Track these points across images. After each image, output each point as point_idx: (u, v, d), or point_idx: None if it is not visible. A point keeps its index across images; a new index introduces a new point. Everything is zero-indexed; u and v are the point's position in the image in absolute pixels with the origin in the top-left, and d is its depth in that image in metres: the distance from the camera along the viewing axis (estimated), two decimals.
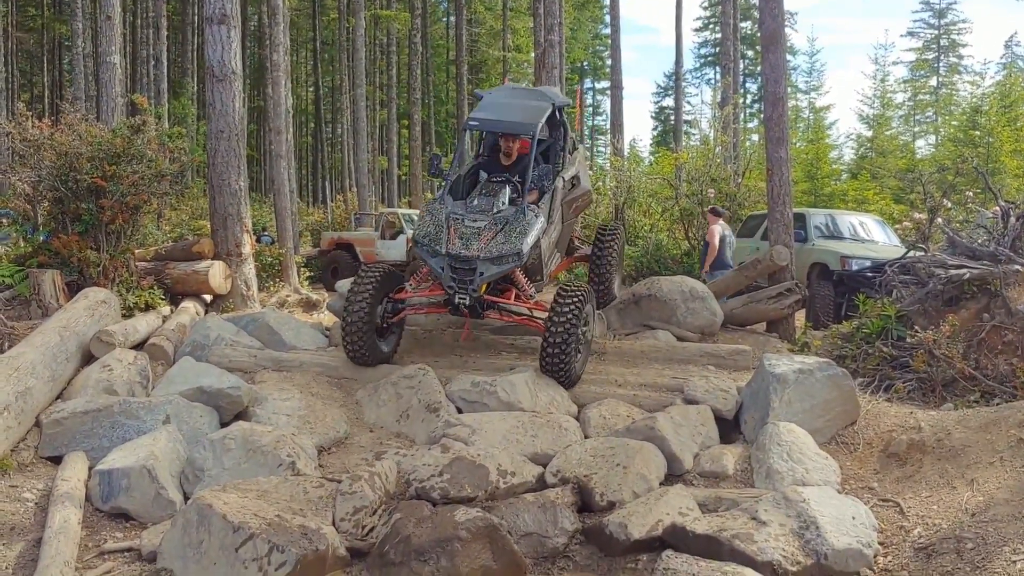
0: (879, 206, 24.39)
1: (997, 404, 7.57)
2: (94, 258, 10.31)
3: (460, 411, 8.31)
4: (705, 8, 59.82)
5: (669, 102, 60.41)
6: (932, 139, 43.47)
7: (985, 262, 9.08)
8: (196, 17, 38.92)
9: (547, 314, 8.48)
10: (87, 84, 29.31)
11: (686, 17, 75.60)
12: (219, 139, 12.25)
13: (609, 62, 39.98)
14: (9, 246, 11.64)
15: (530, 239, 8.48)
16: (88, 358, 8.59)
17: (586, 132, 70.22)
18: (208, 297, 12.08)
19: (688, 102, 59.91)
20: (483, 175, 9.66)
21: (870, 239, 15.06)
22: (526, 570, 5.91)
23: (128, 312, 10.24)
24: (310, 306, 14.92)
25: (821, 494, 6.04)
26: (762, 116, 14.41)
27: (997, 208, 10.05)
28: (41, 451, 7.01)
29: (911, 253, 10.76)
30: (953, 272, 9.02)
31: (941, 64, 53.34)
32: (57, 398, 7.74)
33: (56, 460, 6.90)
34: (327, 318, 12.92)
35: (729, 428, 8.02)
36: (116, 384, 7.95)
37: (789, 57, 51.38)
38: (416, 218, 8.94)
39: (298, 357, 9.31)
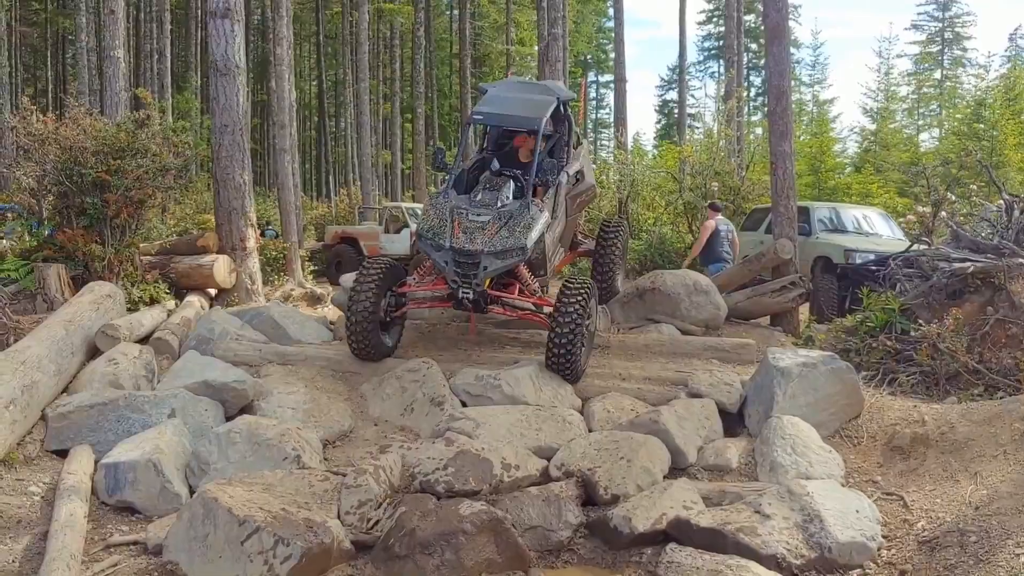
0: (883, 199, 24.33)
1: (1001, 397, 7.58)
2: (99, 252, 10.34)
3: (464, 405, 8.33)
4: (709, 1, 59.68)
5: (673, 95, 60.26)
6: (936, 132, 43.30)
7: (989, 256, 9.06)
8: (200, 11, 38.92)
9: (551, 309, 8.44)
10: (91, 78, 29.30)
11: (690, 10, 75.38)
12: (223, 133, 12.26)
13: (612, 55, 39.96)
14: (14, 240, 11.66)
15: (534, 234, 8.44)
16: (93, 352, 8.61)
17: (590, 126, 70.19)
18: (213, 291, 12.10)
19: (692, 95, 59.65)
20: (495, 165, 9.59)
21: (874, 232, 15.04)
22: (530, 563, 5.93)
23: (133, 306, 10.26)
24: (314, 300, 14.93)
25: (825, 487, 6.06)
26: (766, 109, 14.40)
27: (1001, 201, 10.04)
28: (47, 445, 7.03)
29: (915, 247, 10.76)
30: (957, 266, 9.01)
31: (945, 57, 53.13)
32: (63, 392, 7.76)
33: (62, 454, 6.92)
34: (331, 312, 12.93)
35: (733, 422, 8.04)
36: (122, 378, 7.97)
37: (793, 50, 51.29)
38: (420, 212, 8.85)
39: (303, 351, 9.33)
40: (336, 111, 51.84)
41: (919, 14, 54.96)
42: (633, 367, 9.12)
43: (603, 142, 69.58)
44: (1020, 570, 4.72)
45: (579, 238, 11.49)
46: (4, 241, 12.31)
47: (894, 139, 36.65)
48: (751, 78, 52.11)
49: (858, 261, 13.16)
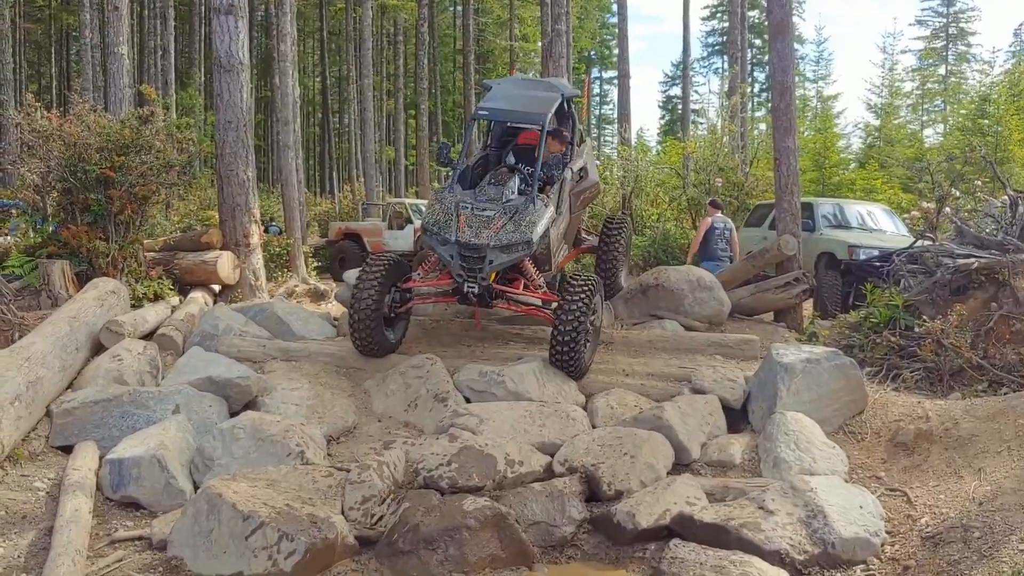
0: (887, 195, 24.30)
1: (1005, 393, 7.58)
2: (103, 248, 10.35)
3: (468, 401, 8.34)
4: None
5: (676, 91, 60.21)
6: (940, 128, 43.19)
7: (993, 251, 9.06)
8: (203, 7, 38.93)
9: (556, 304, 8.43)
10: (95, 75, 29.32)
11: (693, 6, 75.53)
12: (227, 130, 12.27)
13: (616, 51, 39.92)
14: (19, 237, 11.68)
15: (540, 228, 8.41)
16: (98, 348, 8.63)
17: (593, 122, 70.16)
18: (217, 287, 12.11)
19: (696, 91, 59.57)
20: (510, 159, 9.61)
21: (878, 228, 15.01)
22: (534, 559, 5.95)
23: (137, 302, 10.28)
24: (318, 296, 14.95)
25: (828, 483, 6.06)
26: (770, 105, 14.40)
27: (1006, 197, 10.04)
28: (52, 441, 7.05)
29: (919, 242, 10.74)
30: (961, 261, 9.01)
31: (950, 53, 52.98)
32: (67, 388, 7.77)
33: (67, 450, 6.94)
34: (335, 308, 12.94)
35: (737, 418, 8.04)
36: (126, 374, 7.98)
37: (797, 46, 51.17)
38: (424, 208, 8.85)
39: (306, 347, 9.34)
40: (340, 107, 51.86)
41: (923, 10, 55.04)
42: (637, 363, 9.13)
43: (607, 138, 69.50)
44: (1023, 566, 4.72)
45: (582, 235, 11.43)
46: (9, 237, 12.34)
47: (898, 135, 36.60)
48: (755, 74, 52.07)
49: (862, 257, 13.14)
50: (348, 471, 6.56)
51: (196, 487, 6.50)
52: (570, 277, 8.64)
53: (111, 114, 13.60)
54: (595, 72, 67.91)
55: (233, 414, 7.67)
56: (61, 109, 12.10)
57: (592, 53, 62.31)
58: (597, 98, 70.80)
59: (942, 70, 52.07)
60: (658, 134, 61.91)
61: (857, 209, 15.70)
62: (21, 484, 6.32)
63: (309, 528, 5.61)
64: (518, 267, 8.69)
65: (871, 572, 5.38)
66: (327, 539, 5.63)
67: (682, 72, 40.79)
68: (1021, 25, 56.00)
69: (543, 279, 8.97)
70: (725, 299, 10.78)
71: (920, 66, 52.18)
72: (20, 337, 8.03)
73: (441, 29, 50.77)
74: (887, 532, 5.73)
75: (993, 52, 76.45)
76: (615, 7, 39.74)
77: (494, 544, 5.84)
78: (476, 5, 45.85)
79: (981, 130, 26.06)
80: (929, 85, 49.96)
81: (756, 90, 51.36)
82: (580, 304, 8.22)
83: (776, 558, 5.35)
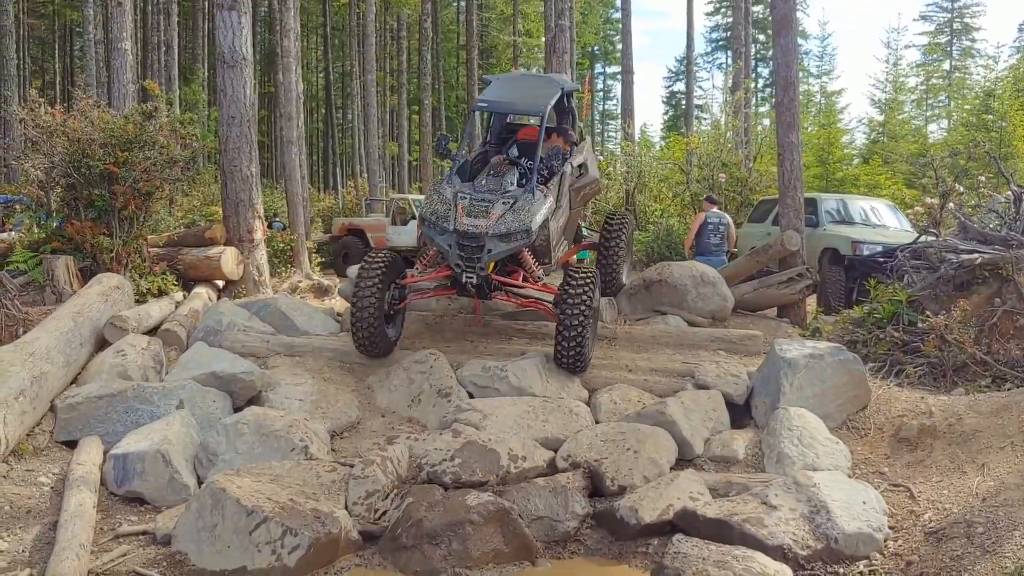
0: (891, 191, 24.30)
1: (1008, 389, 7.58)
2: (107, 244, 10.36)
3: (471, 396, 8.35)
4: None
5: (680, 87, 60.21)
6: (944, 123, 43.15)
7: (997, 247, 9.05)
8: (207, 3, 38.87)
9: (556, 297, 8.38)
10: (98, 70, 29.33)
11: (697, 1, 75.29)
12: (231, 125, 12.27)
13: (620, 47, 39.83)
14: (23, 232, 11.69)
15: (539, 218, 8.32)
16: (102, 343, 8.65)
17: (597, 117, 70.08)
18: (220, 283, 12.12)
19: (699, 87, 59.65)
20: (513, 151, 9.59)
21: (881, 224, 15.00)
22: (537, 554, 5.96)
23: (141, 298, 10.29)
24: (322, 292, 14.95)
25: (831, 479, 6.06)
26: (773, 100, 14.39)
27: (1010, 192, 10.02)
28: (56, 436, 7.07)
29: (923, 238, 10.73)
30: (965, 257, 9.00)
31: (954, 48, 52.87)
32: (72, 383, 7.79)
33: (71, 444, 6.96)
34: (339, 303, 12.95)
35: (740, 413, 8.04)
36: (130, 369, 7.99)
37: (801, 41, 51.09)
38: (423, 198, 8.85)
39: (310, 342, 9.35)
40: (343, 103, 51.88)
41: (928, 4, 54.80)
42: (640, 358, 9.13)
43: (610, 133, 69.46)
44: None
45: (582, 232, 11.36)
46: (13, 233, 12.36)
47: (902, 130, 36.59)
48: (759, 69, 51.91)
49: (865, 252, 13.14)
50: (352, 466, 6.58)
51: (200, 482, 6.52)
52: (571, 270, 8.56)
53: (115, 110, 13.60)
54: (599, 68, 67.88)
55: (237, 409, 7.69)
56: (65, 105, 12.13)
57: (596, 48, 62.29)
58: (601, 93, 70.73)
59: (946, 65, 52.00)
60: (662, 130, 61.94)
61: (861, 205, 15.69)
62: (25, 479, 6.34)
63: (313, 523, 5.63)
64: (517, 259, 8.60)
65: (874, 567, 5.39)
66: (331, 534, 5.65)
67: (686, 67, 40.83)
68: None
69: (542, 272, 8.89)
70: (728, 295, 10.78)
71: (924, 61, 52.11)
72: (24, 332, 8.05)
73: (444, 24, 50.76)
74: (890, 527, 5.73)
75: (998, 47, 76.28)
76: (619, 2, 39.63)
77: (497, 539, 5.85)
78: (480, 0, 45.83)
79: (985, 125, 26.03)
80: (933, 80, 49.90)
81: (760, 85, 51.23)
82: (584, 295, 8.15)
83: (779, 553, 5.36)
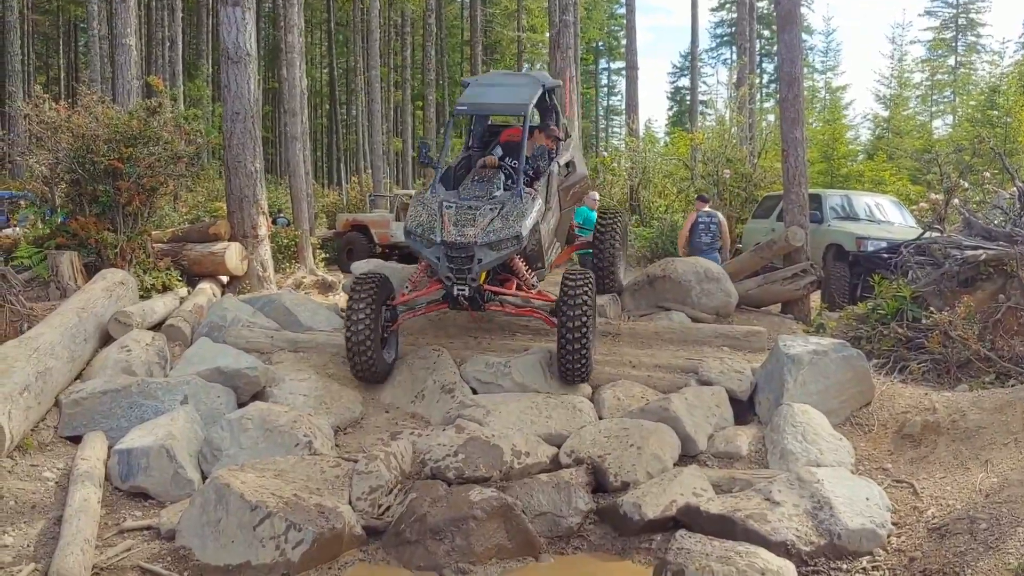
0: (896, 187, 24.24)
1: (1012, 385, 7.56)
2: (111, 240, 10.38)
3: (475, 392, 8.36)
4: None
5: (685, 82, 59.98)
6: (949, 119, 43.10)
7: (1001, 243, 9.03)
8: None
9: (554, 304, 8.15)
10: (103, 66, 29.35)
11: None
12: (235, 121, 12.28)
13: (624, 42, 39.79)
14: (28, 228, 11.71)
15: (529, 221, 8.01)
16: (106, 339, 8.66)
17: (601, 113, 70.01)
18: (224, 279, 12.14)
19: (704, 82, 59.45)
20: (498, 151, 9.33)
21: (886, 220, 14.97)
22: (540, 549, 5.97)
23: (145, 293, 10.31)
24: (326, 287, 14.95)
25: (835, 475, 6.06)
26: (778, 96, 14.37)
27: (1014, 189, 10.00)
28: (61, 431, 7.09)
29: (927, 234, 10.71)
30: (969, 253, 8.98)
31: (959, 43, 52.72)
32: (76, 379, 7.81)
33: (75, 440, 6.98)
34: (343, 299, 12.96)
35: (743, 409, 8.04)
36: (134, 365, 8.02)
37: (805, 37, 51.00)
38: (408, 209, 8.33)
39: (314, 338, 9.36)
40: (347, 99, 51.82)
41: (933, 0, 54.57)
42: (643, 354, 9.13)
43: (614, 129, 69.37)
44: None
45: (575, 232, 11.14)
46: (17, 229, 12.38)
47: (907, 126, 36.53)
48: (763, 65, 51.84)
49: (870, 249, 13.11)
50: (355, 461, 6.59)
51: (204, 477, 6.54)
52: (567, 274, 8.26)
53: (119, 105, 13.65)
54: (603, 63, 67.84)
55: (241, 405, 7.71)
56: (69, 100, 12.13)
57: (600, 44, 62.21)
58: (605, 89, 70.67)
59: (951, 61, 51.88)
60: (666, 125, 61.67)
61: (865, 200, 15.66)
62: (31, 474, 6.36)
63: (317, 518, 5.64)
64: (509, 266, 8.38)
65: (877, 563, 5.38)
66: (334, 529, 5.66)
67: (690, 63, 40.70)
68: None
69: (536, 278, 8.65)
70: (732, 290, 10.78)
71: (929, 57, 52.00)
72: (29, 328, 8.06)
73: (448, 20, 50.74)
74: (893, 523, 5.73)
75: (1003, 43, 76.18)
76: None
77: (501, 534, 5.87)
78: None
79: (990, 121, 25.97)
80: (938, 76, 49.84)
81: (764, 81, 51.15)
82: (583, 300, 7.89)
83: (782, 549, 5.35)
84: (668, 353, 9.22)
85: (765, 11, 44.47)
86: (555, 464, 6.89)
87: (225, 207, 13.37)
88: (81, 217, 10.44)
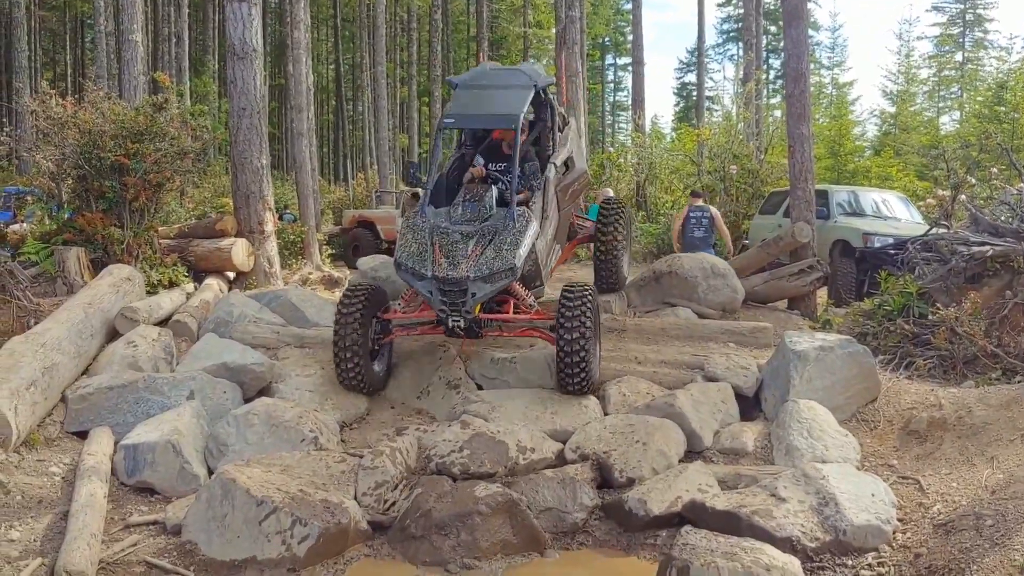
0: (902, 183, 24.18)
1: (1019, 382, 7.54)
2: (118, 235, 10.40)
3: (480, 388, 8.36)
4: None
5: (691, 78, 60.02)
6: (956, 115, 43.00)
7: (1008, 239, 9.01)
8: None
9: (552, 323, 7.79)
10: (109, 62, 29.35)
11: None
12: (241, 117, 12.29)
13: (631, 37, 39.77)
14: (35, 224, 11.74)
15: (523, 250, 7.65)
16: (113, 334, 8.68)
17: (607, 108, 69.98)
18: (231, 274, 12.16)
19: (710, 78, 59.24)
20: (480, 161, 8.82)
21: (893, 216, 14.93)
22: (545, 544, 5.98)
23: (152, 289, 10.33)
24: (332, 283, 14.98)
25: (840, 471, 6.05)
26: (784, 92, 14.34)
27: (1021, 185, 9.97)
28: (67, 426, 7.11)
29: (934, 230, 10.69)
30: (976, 249, 8.96)
31: (966, 39, 52.57)
32: (82, 374, 7.83)
33: (82, 435, 7.00)
34: None
35: (749, 405, 8.03)
36: (141, 360, 8.03)
37: (812, 32, 50.86)
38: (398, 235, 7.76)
39: (320, 334, 9.36)
40: (353, 95, 51.84)
41: None
42: (649, 350, 9.12)
43: (621, 125, 69.34)
44: None
45: (577, 224, 10.69)
46: (24, 224, 12.40)
47: (914, 122, 36.44)
48: (770, 60, 51.73)
49: (876, 245, 13.09)
50: (361, 457, 6.61)
51: (210, 472, 6.56)
52: (565, 289, 7.86)
53: (125, 101, 13.65)
54: (609, 59, 67.79)
55: (247, 400, 7.72)
56: (76, 96, 12.14)
57: (606, 39, 62.13)
58: (611, 85, 70.65)
59: (959, 57, 51.72)
60: (672, 121, 61.69)
61: (872, 197, 15.63)
62: (37, 469, 6.38)
63: (322, 513, 5.66)
64: (507, 289, 7.93)
65: (882, 559, 5.38)
66: (340, 524, 5.68)
67: (697, 59, 40.75)
68: None
69: (533, 298, 8.24)
70: (739, 287, 10.76)
71: (936, 53, 51.81)
72: (36, 323, 8.09)
73: (455, 16, 50.72)
74: (899, 520, 5.72)
75: (1011, 39, 75.62)
76: None
77: (506, 530, 5.87)
78: None
79: (998, 117, 25.90)
80: (945, 72, 49.68)
81: (771, 77, 51.08)
82: (582, 317, 7.55)
83: (787, 545, 5.35)
84: (674, 349, 9.20)
85: (772, 7, 44.35)
86: (560, 460, 6.90)
87: (231, 203, 13.39)
88: (88, 213, 10.46)
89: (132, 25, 17.32)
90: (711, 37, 62.09)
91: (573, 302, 7.62)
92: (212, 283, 11.25)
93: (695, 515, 5.81)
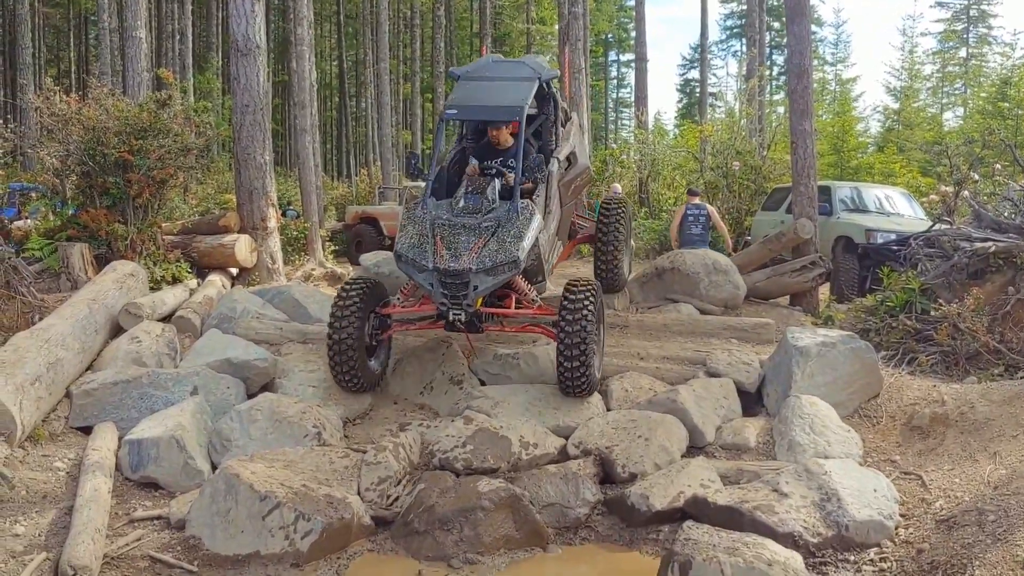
0: (906, 179, 24.17)
1: (1021, 378, 7.56)
2: (122, 231, 10.42)
3: (483, 383, 8.38)
4: None
5: (694, 74, 59.92)
6: (960, 111, 42.95)
7: (1011, 235, 9.01)
8: None
9: (555, 318, 7.60)
10: (113, 59, 29.38)
11: None
12: (244, 113, 12.30)
13: (634, 34, 39.72)
14: (38, 220, 11.76)
15: (526, 243, 7.45)
16: (117, 330, 8.70)
17: (610, 105, 69.93)
18: (234, 270, 12.17)
19: (714, 74, 59.44)
20: (473, 162, 8.60)
21: (895, 212, 14.93)
22: (548, 540, 5.99)
23: (156, 285, 10.34)
24: (335, 279, 14.99)
25: (843, 466, 6.06)
26: (787, 88, 14.33)
27: None
28: (71, 421, 7.13)
29: (937, 226, 10.68)
30: (979, 245, 8.96)
31: (970, 35, 52.43)
32: (87, 369, 7.85)
33: (86, 430, 7.02)
34: None
35: (751, 401, 8.04)
36: (145, 356, 8.05)
37: (815, 28, 50.84)
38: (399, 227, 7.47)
39: (323, 330, 9.30)
40: (356, 91, 51.87)
41: None
42: (651, 346, 9.13)
43: (624, 121, 69.27)
44: None
45: (578, 224, 10.49)
46: (29, 221, 12.42)
47: (917, 118, 36.40)
48: (773, 57, 51.65)
49: (879, 241, 13.09)
50: (364, 452, 6.63)
51: (214, 468, 6.58)
52: (568, 285, 7.74)
53: (129, 98, 13.65)
54: (612, 55, 67.71)
55: (250, 396, 7.74)
56: (80, 93, 12.16)
57: (610, 36, 62.08)
58: (615, 81, 70.55)
59: (963, 52, 51.62)
60: (675, 117, 61.71)
61: (875, 193, 15.62)
62: (42, 464, 6.40)
63: (326, 508, 5.67)
64: (508, 283, 7.75)
65: (885, 555, 5.39)
66: (343, 519, 5.69)
67: (700, 55, 40.72)
68: None
69: (536, 293, 8.11)
70: (741, 283, 10.77)
71: (940, 48, 51.75)
72: (40, 319, 8.11)
73: (458, 12, 50.66)
74: (901, 515, 5.74)
75: (1015, 34, 75.63)
76: None
77: (508, 525, 5.89)
78: None
79: (1001, 113, 25.89)
80: (949, 68, 49.61)
81: (774, 73, 51.01)
82: (584, 314, 7.38)
83: (789, 540, 5.36)
84: (676, 345, 9.21)
85: (775, 3, 44.30)
86: (563, 455, 6.91)
87: (235, 199, 13.40)
88: (92, 209, 10.47)
89: (136, 21, 17.31)
90: (714, 33, 62.15)
91: (576, 298, 7.48)
92: (215, 279, 11.27)
93: (697, 510, 5.82)
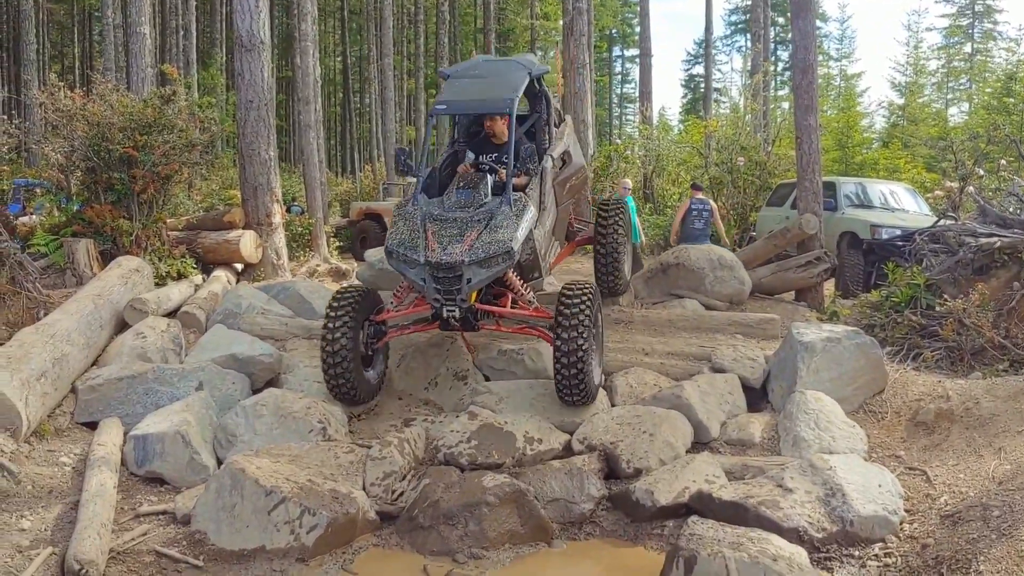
0: (911, 175, 24.12)
1: None
2: (127, 227, 10.44)
3: (488, 379, 8.38)
4: None
5: (699, 70, 59.77)
6: (965, 107, 42.83)
7: (1016, 231, 8.99)
8: None
9: (551, 321, 7.35)
10: (117, 55, 29.40)
11: None
12: (248, 109, 12.32)
13: (638, 29, 39.69)
14: (44, 216, 11.79)
15: (521, 233, 7.25)
16: (122, 326, 8.72)
17: (615, 100, 69.85)
18: (239, 266, 12.20)
19: (718, 70, 59.25)
20: (470, 155, 8.51)
21: (900, 208, 14.91)
22: (553, 535, 6.00)
23: (161, 281, 10.37)
24: (340, 275, 15.01)
25: (847, 462, 6.06)
26: (792, 84, 14.32)
27: None
28: (77, 417, 7.15)
29: (941, 222, 10.67)
30: (984, 241, 8.94)
31: (975, 30, 52.26)
32: (92, 365, 7.87)
33: (92, 426, 7.04)
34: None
35: (756, 397, 8.03)
36: (150, 351, 8.07)
37: (820, 24, 50.78)
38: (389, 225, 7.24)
39: None
40: (360, 87, 51.83)
41: None
42: (656, 342, 9.12)
43: (628, 117, 69.20)
44: None
45: (575, 226, 10.10)
46: (34, 217, 12.45)
47: (922, 114, 36.31)
48: (778, 52, 51.60)
49: (884, 236, 13.07)
50: (369, 447, 6.64)
51: (219, 463, 6.59)
52: (564, 288, 7.46)
53: (134, 94, 13.68)
54: (617, 50, 67.63)
55: (255, 391, 7.76)
56: (84, 89, 12.18)
57: (614, 31, 62.01)
58: (619, 76, 70.48)
59: (968, 48, 51.45)
60: (680, 113, 61.56)
61: (880, 188, 15.60)
62: (47, 459, 6.42)
63: (331, 503, 5.68)
64: (503, 281, 7.58)
65: (889, 550, 5.39)
66: (348, 514, 5.70)
67: (704, 51, 40.59)
68: None
69: (532, 294, 7.84)
70: (746, 278, 10.77)
71: (945, 44, 51.60)
72: (46, 315, 8.12)
73: (462, 8, 50.60)
74: (906, 511, 5.73)
75: (1020, 30, 75.42)
76: None
77: (513, 520, 5.90)
78: None
79: (1006, 109, 25.82)
80: (954, 63, 49.47)
81: (779, 68, 50.95)
82: (581, 319, 7.09)
83: (794, 535, 5.37)
84: (681, 341, 9.21)
85: None
86: (568, 451, 6.91)
87: (239, 195, 13.43)
88: (96, 205, 10.50)
89: (140, 17, 17.35)
90: (719, 29, 61.95)
91: (572, 301, 7.22)
92: (220, 275, 11.30)
93: (702, 505, 5.82)
